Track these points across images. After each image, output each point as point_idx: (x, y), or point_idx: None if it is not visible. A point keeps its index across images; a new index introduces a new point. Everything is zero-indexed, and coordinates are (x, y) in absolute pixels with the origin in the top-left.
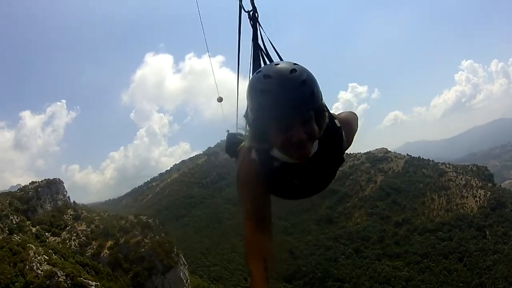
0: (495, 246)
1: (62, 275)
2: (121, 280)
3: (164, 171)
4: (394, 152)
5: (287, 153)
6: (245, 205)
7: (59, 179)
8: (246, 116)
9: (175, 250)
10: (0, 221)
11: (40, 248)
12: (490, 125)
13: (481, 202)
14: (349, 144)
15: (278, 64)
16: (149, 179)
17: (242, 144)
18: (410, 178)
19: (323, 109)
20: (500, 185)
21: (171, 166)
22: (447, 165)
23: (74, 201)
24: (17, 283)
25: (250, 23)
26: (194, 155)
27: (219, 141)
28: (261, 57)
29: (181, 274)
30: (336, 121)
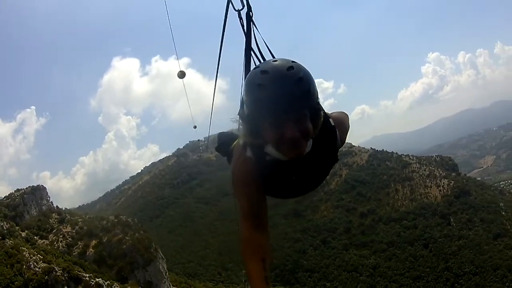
0: (459, 232)
1: (59, 270)
2: (107, 275)
3: (134, 174)
4: (359, 146)
5: (280, 150)
6: (241, 203)
7: (42, 185)
8: (241, 113)
9: (153, 245)
10: None
11: (32, 249)
12: (457, 116)
13: (444, 191)
14: (342, 143)
15: (276, 60)
16: (121, 183)
17: (235, 142)
18: (374, 171)
19: (318, 108)
20: (465, 174)
21: (142, 168)
22: (411, 157)
23: (57, 206)
24: (16, 282)
25: (241, 22)
26: (163, 156)
27: (188, 142)
28: (254, 60)
29: (160, 267)
30: (330, 120)
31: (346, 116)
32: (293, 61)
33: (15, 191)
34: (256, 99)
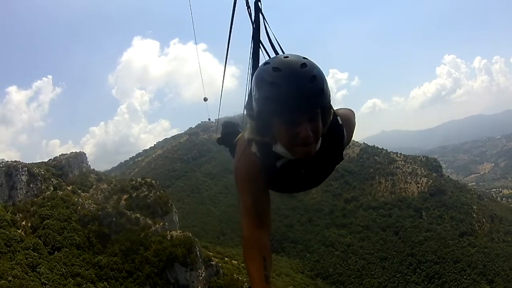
0: (428, 226)
1: (110, 208)
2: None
3: (143, 147)
4: (353, 140)
5: (292, 150)
6: (244, 200)
7: (83, 152)
8: (248, 107)
9: (170, 202)
10: (45, 182)
11: (79, 198)
12: (467, 120)
13: (422, 188)
14: (348, 140)
15: (287, 57)
16: (132, 156)
17: (239, 135)
18: (362, 163)
19: (330, 106)
20: (448, 176)
21: (155, 143)
22: (398, 155)
23: (93, 168)
24: (73, 217)
25: (249, 12)
26: (173, 131)
27: (199, 122)
28: (262, 52)
29: (174, 217)
30: (338, 118)
31: (353, 114)
32: (304, 57)
33: (60, 155)
34: (268, 97)
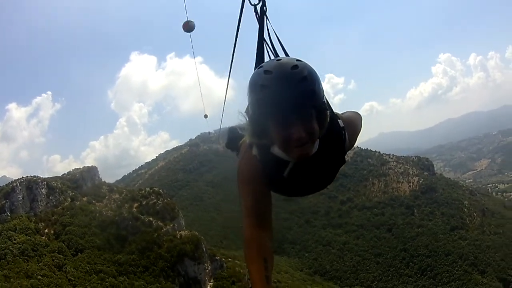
0: (420, 222)
1: (126, 213)
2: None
3: (144, 160)
4: None
5: (287, 151)
6: (245, 202)
7: (94, 166)
8: (247, 111)
9: (177, 208)
10: (63, 194)
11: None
12: (464, 118)
13: (413, 186)
14: (351, 144)
15: (280, 59)
16: (136, 167)
17: (243, 138)
18: (356, 166)
19: (324, 107)
20: (441, 174)
21: (157, 155)
22: (391, 156)
23: (105, 181)
24: (93, 223)
25: (257, 17)
26: (173, 143)
27: (199, 133)
28: (266, 55)
29: (181, 221)
30: (339, 121)
31: (358, 117)
32: (298, 60)
33: (73, 169)
34: (259, 99)
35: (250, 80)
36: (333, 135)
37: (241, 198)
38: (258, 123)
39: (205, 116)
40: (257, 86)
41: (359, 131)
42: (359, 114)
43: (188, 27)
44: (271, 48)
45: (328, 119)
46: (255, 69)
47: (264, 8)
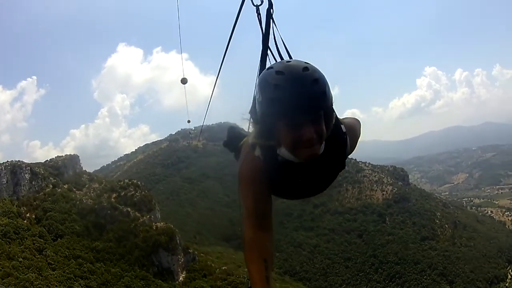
0: (391, 230)
1: (105, 202)
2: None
3: (123, 151)
4: None
5: (296, 152)
6: (246, 202)
7: (76, 154)
8: (252, 112)
9: (153, 200)
10: (45, 180)
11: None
12: (445, 131)
13: (387, 195)
14: (352, 150)
15: (290, 61)
16: (116, 159)
17: (244, 139)
18: None
19: (332, 109)
20: (415, 185)
21: (136, 148)
22: (366, 164)
23: (85, 170)
24: (72, 211)
25: (259, 19)
26: (153, 137)
27: (179, 129)
28: (269, 57)
29: (157, 214)
30: (342, 126)
31: (358, 123)
32: (306, 62)
33: (56, 157)
34: (272, 99)
35: (260, 80)
36: (336, 139)
37: (241, 199)
38: (268, 123)
39: (188, 122)
40: (270, 86)
41: (359, 138)
42: (359, 121)
43: (184, 81)
44: (277, 52)
45: (334, 121)
46: (259, 71)
47: (271, 10)
